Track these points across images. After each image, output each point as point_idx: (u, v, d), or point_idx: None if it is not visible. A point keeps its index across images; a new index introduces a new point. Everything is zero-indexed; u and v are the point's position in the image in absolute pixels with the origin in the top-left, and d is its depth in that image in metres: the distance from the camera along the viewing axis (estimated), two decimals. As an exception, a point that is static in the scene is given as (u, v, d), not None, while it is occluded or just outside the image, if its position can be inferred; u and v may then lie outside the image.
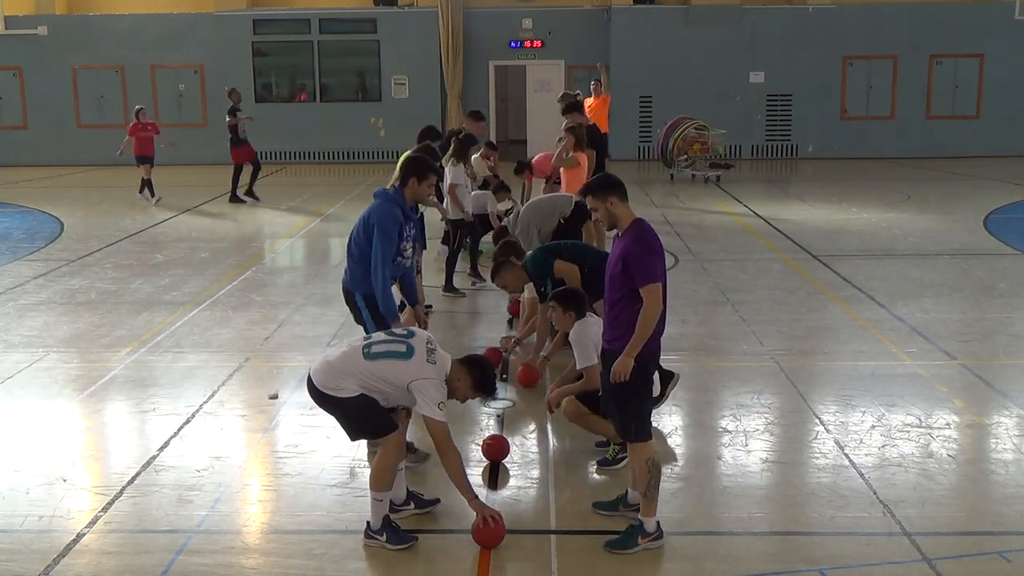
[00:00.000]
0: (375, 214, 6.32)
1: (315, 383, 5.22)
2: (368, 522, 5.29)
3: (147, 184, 18.10)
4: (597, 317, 6.31)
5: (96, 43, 24.40)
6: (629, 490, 5.57)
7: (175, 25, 24.40)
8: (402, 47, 24.24)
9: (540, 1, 24.46)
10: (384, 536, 5.23)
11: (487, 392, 5.47)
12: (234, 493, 5.99)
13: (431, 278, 10.92)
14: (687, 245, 13.34)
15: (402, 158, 6.92)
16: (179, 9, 24.77)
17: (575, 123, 12.35)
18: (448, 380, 5.27)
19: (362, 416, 5.22)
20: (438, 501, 5.68)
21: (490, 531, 5.18)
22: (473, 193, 11.21)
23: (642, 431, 5.21)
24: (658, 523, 5.21)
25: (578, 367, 6.41)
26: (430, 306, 10.06)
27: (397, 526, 5.31)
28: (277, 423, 7.10)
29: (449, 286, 10.82)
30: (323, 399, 5.25)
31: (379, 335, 5.48)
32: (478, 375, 5.35)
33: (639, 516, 5.22)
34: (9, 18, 24.21)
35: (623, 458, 6.13)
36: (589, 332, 6.32)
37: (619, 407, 5.26)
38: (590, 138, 12.02)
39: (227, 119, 17.94)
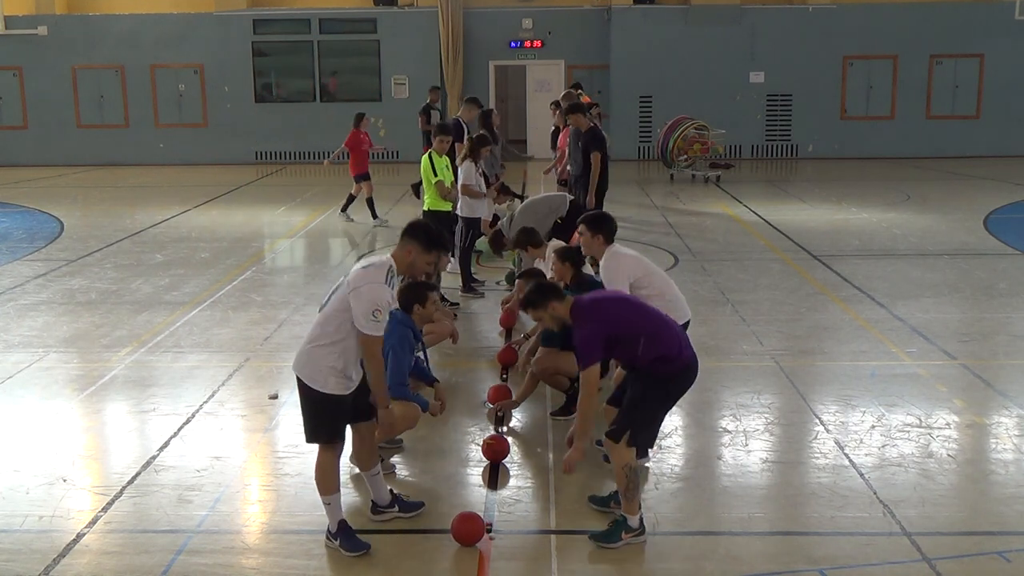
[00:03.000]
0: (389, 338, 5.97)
1: (297, 374, 5.16)
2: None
3: (368, 203, 15.15)
4: None
5: (96, 43, 24.39)
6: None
7: (175, 25, 24.40)
8: (402, 47, 24.24)
9: (540, 1, 24.45)
10: (339, 540, 5.21)
11: (441, 247, 5.27)
12: (234, 493, 5.99)
13: (447, 278, 10.88)
14: (687, 245, 13.34)
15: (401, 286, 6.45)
16: (179, 9, 24.77)
17: (575, 126, 12.31)
18: (398, 265, 5.12)
19: (319, 415, 5.14)
20: (423, 505, 5.67)
21: (467, 529, 5.20)
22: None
23: (633, 439, 5.19)
24: (641, 519, 5.23)
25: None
26: (457, 304, 10.25)
27: (352, 531, 5.25)
28: (277, 423, 7.10)
29: (467, 287, 10.78)
30: (300, 388, 5.17)
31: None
32: (423, 236, 5.17)
33: (622, 512, 5.25)
34: (9, 18, 24.21)
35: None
36: None
37: (626, 407, 5.28)
38: (596, 141, 11.93)
39: (420, 119, 16.87)
